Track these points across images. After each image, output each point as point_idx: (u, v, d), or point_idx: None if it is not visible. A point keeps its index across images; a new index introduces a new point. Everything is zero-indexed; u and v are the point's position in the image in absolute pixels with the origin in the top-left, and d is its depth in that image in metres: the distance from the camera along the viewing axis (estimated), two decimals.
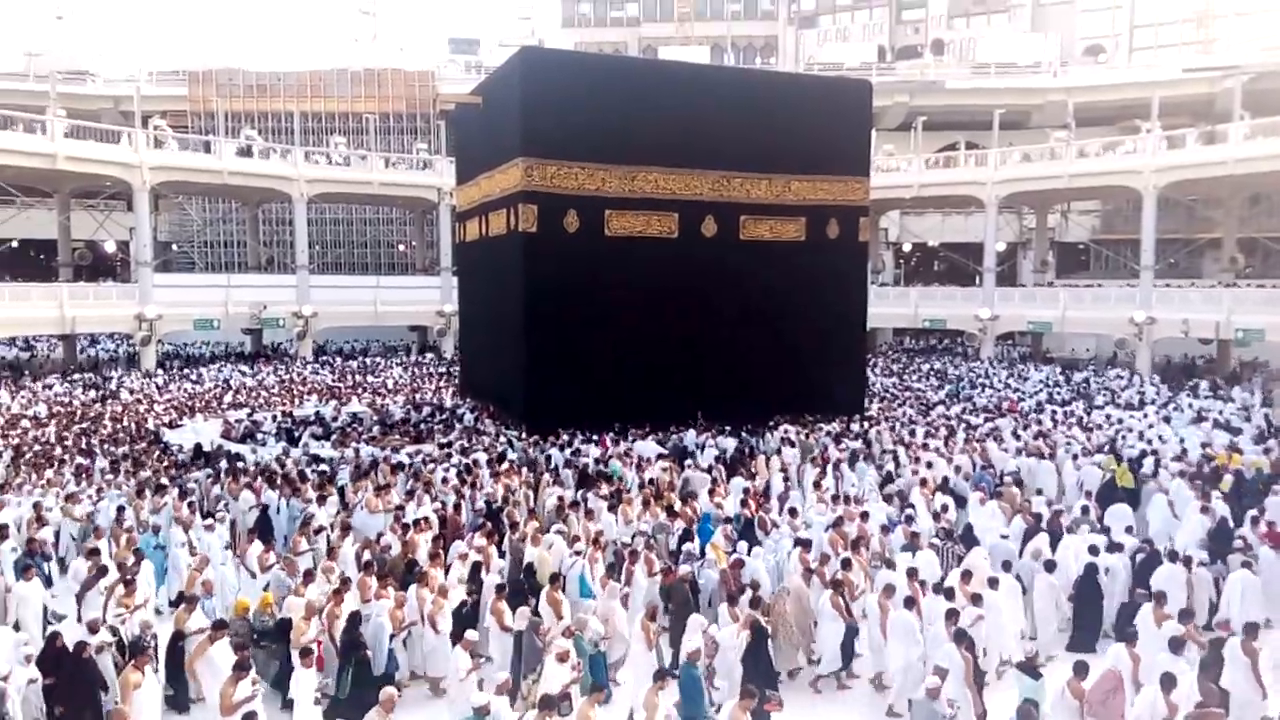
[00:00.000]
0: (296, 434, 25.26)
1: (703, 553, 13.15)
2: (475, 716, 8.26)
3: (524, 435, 22.81)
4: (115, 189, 43.16)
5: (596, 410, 23.21)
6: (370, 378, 38.53)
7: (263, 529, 14.80)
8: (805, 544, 12.88)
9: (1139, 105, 44.91)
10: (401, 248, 59.55)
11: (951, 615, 10.28)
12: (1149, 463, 18.73)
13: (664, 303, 24.32)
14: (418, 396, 33.01)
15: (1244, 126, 36.11)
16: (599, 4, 65.46)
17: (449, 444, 22.30)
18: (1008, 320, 44.05)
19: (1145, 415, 26.43)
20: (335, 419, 27.59)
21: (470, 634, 10.09)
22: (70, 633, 10.40)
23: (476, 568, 12.30)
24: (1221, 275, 44.04)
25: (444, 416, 27.53)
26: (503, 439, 22.78)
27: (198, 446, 22.28)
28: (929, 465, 18.41)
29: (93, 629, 10.07)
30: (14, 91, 49.52)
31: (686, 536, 14.00)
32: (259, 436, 25.42)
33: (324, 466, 19.51)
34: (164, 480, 17.92)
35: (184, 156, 42.15)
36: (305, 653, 9.47)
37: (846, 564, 12.16)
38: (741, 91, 26.41)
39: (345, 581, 11.48)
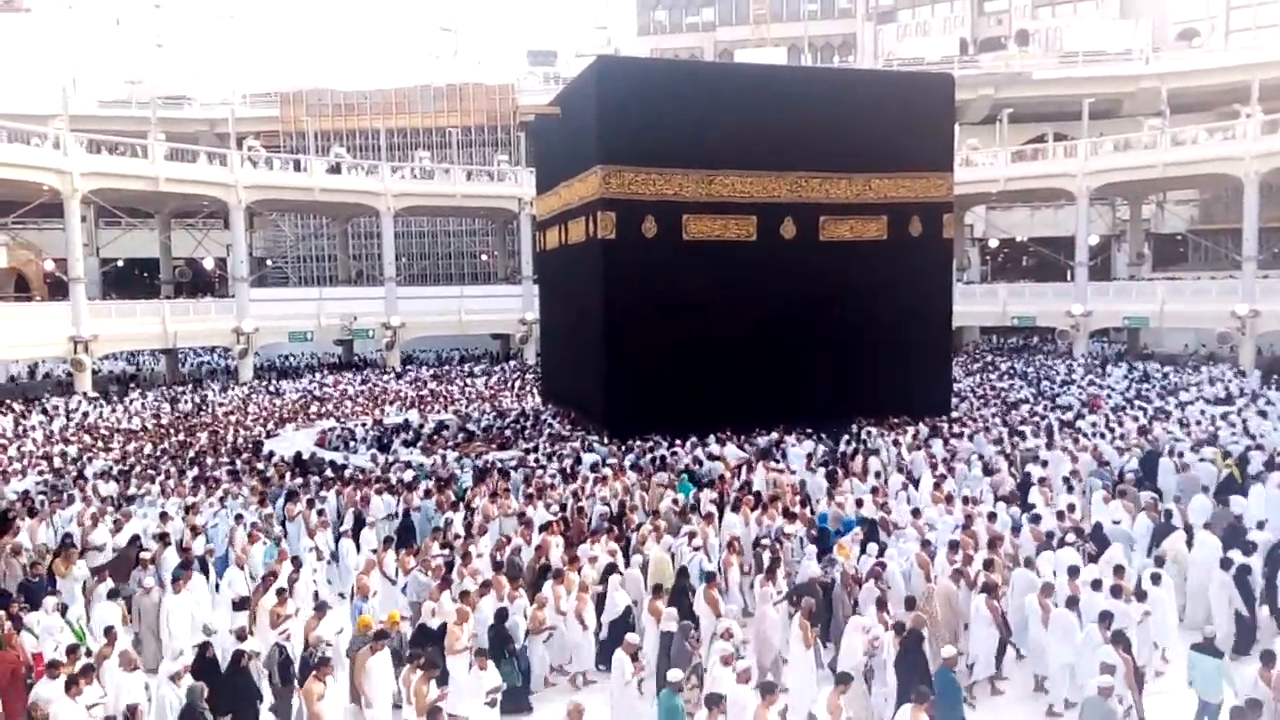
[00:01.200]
0: (387, 441, 25.92)
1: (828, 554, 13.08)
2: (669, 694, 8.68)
3: (606, 440, 22.99)
4: (213, 208, 44.96)
5: (676, 415, 23.23)
6: (450, 386, 39.15)
7: (401, 534, 15.17)
8: (930, 545, 12.82)
9: (1238, 89, 43.05)
10: (484, 257, 60.57)
11: (1106, 617, 10.08)
12: (1255, 457, 18.11)
13: (743, 306, 24.23)
14: (500, 404, 33.57)
15: None
16: (674, 10, 65.56)
17: (534, 449, 22.63)
18: (1101, 316, 42.65)
19: (1240, 410, 25.60)
20: (422, 426, 28.21)
21: (631, 637, 10.26)
22: (227, 645, 10.44)
23: (610, 569, 12.40)
24: None
25: (527, 423, 27.91)
26: (586, 444, 22.99)
27: (297, 455, 22.98)
28: (1044, 464, 18.16)
29: (240, 637, 10.20)
30: (118, 118, 52.01)
31: (822, 538, 13.91)
32: (352, 445, 26.15)
33: (442, 473, 19.78)
34: (292, 489, 17.99)
35: (276, 175, 43.70)
36: (480, 653, 9.79)
37: (989, 565, 11.98)
38: (819, 91, 26.21)
39: (485, 584, 11.78)
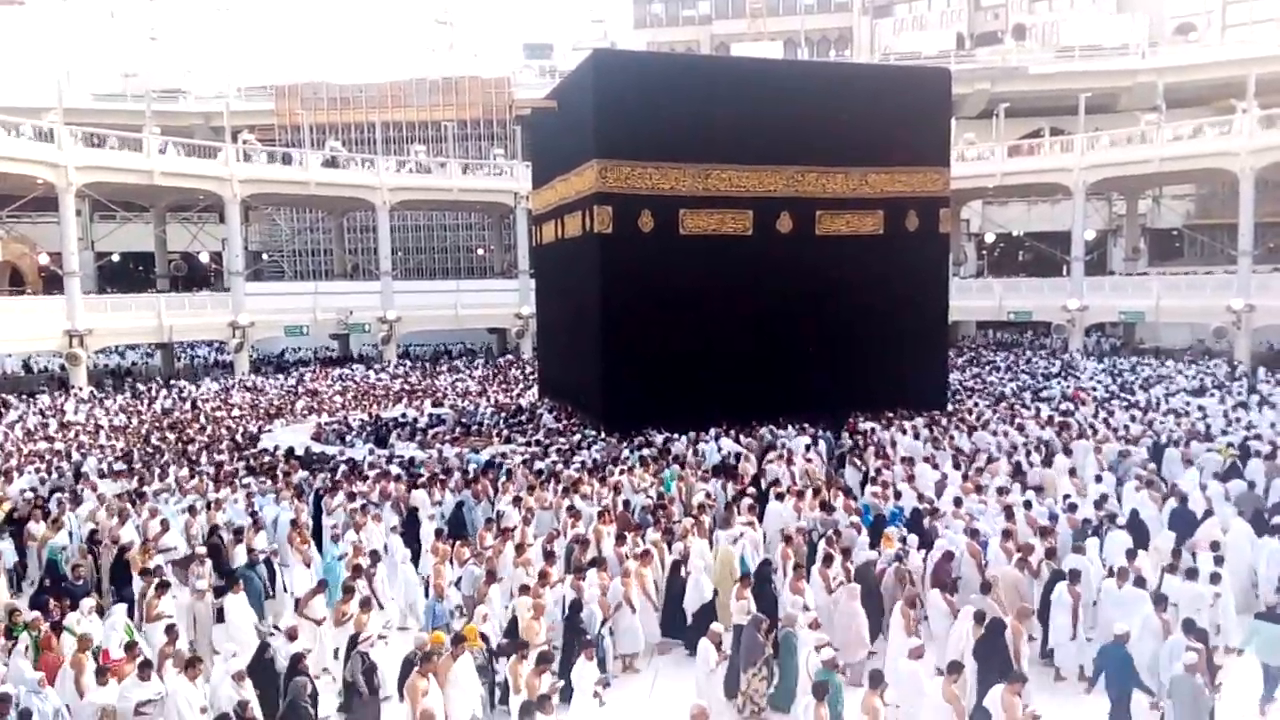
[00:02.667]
0: (384, 435, 25.91)
1: (874, 545, 13.18)
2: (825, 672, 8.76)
3: (602, 435, 22.99)
4: (208, 202, 44.81)
5: (673, 409, 23.24)
6: (438, 380, 38.91)
7: (454, 526, 15.17)
8: (980, 534, 12.91)
9: (1234, 84, 43.03)
10: (480, 252, 60.50)
11: (1161, 599, 10.30)
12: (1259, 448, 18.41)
13: (740, 300, 24.23)
14: (495, 398, 33.55)
15: None
16: (670, 3, 65.39)
17: (535, 441, 22.64)
18: (1097, 311, 42.70)
19: (1222, 400, 26.39)
20: (416, 421, 28.21)
21: (715, 626, 10.32)
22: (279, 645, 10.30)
23: (677, 564, 12.47)
24: None
25: (524, 418, 27.90)
26: (584, 438, 23.00)
27: (289, 450, 22.86)
28: (1069, 454, 18.56)
29: (292, 637, 10.13)
30: (112, 111, 51.81)
31: (878, 525, 13.98)
32: (348, 439, 26.14)
33: (472, 467, 19.60)
34: (332, 482, 17.75)
35: (272, 169, 43.60)
36: (588, 644, 9.77)
37: (1051, 553, 12.13)
38: (815, 85, 26.21)
39: (543, 575, 11.83)
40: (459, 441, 24.49)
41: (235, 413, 31.01)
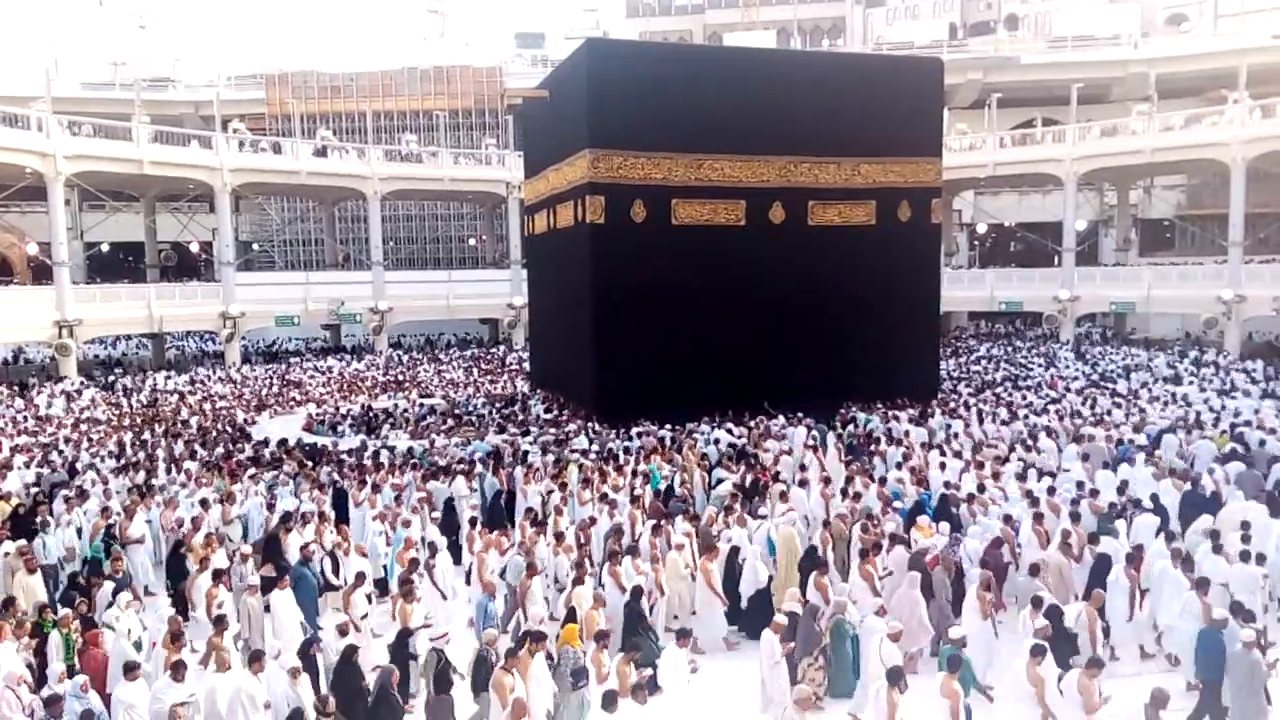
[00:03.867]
0: (375, 425, 25.87)
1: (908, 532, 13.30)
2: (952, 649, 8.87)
3: (597, 425, 22.98)
4: (198, 192, 44.60)
5: (666, 399, 23.21)
6: (420, 371, 38.66)
7: (493, 515, 15.16)
8: (1014, 520, 13.07)
9: (1225, 74, 43.09)
10: (472, 242, 60.36)
11: (1203, 582, 10.46)
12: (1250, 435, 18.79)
13: (732, 291, 24.21)
14: (482, 388, 33.52)
15: None
16: None
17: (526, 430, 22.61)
18: (1089, 301, 42.83)
19: (1203, 390, 26.90)
20: (405, 411, 28.17)
21: (779, 618, 10.27)
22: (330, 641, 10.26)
23: (734, 552, 12.51)
24: None
25: (516, 408, 27.87)
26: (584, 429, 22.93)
27: (298, 442, 22.64)
28: (1078, 440, 18.93)
29: (343, 631, 10.09)
30: (101, 100, 51.49)
31: (917, 511, 14.14)
32: (339, 429, 26.08)
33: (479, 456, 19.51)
34: (366, 476, 17.40)
35: (263, 158, 43.37)
36: (683, 634, 9.68)
37: (1094, 538, 12.32)
38: (808, 75, 26.12)
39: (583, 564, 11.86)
40: (449, 432, 24.45)
41: (220, 405, 30.56)
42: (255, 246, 56.26)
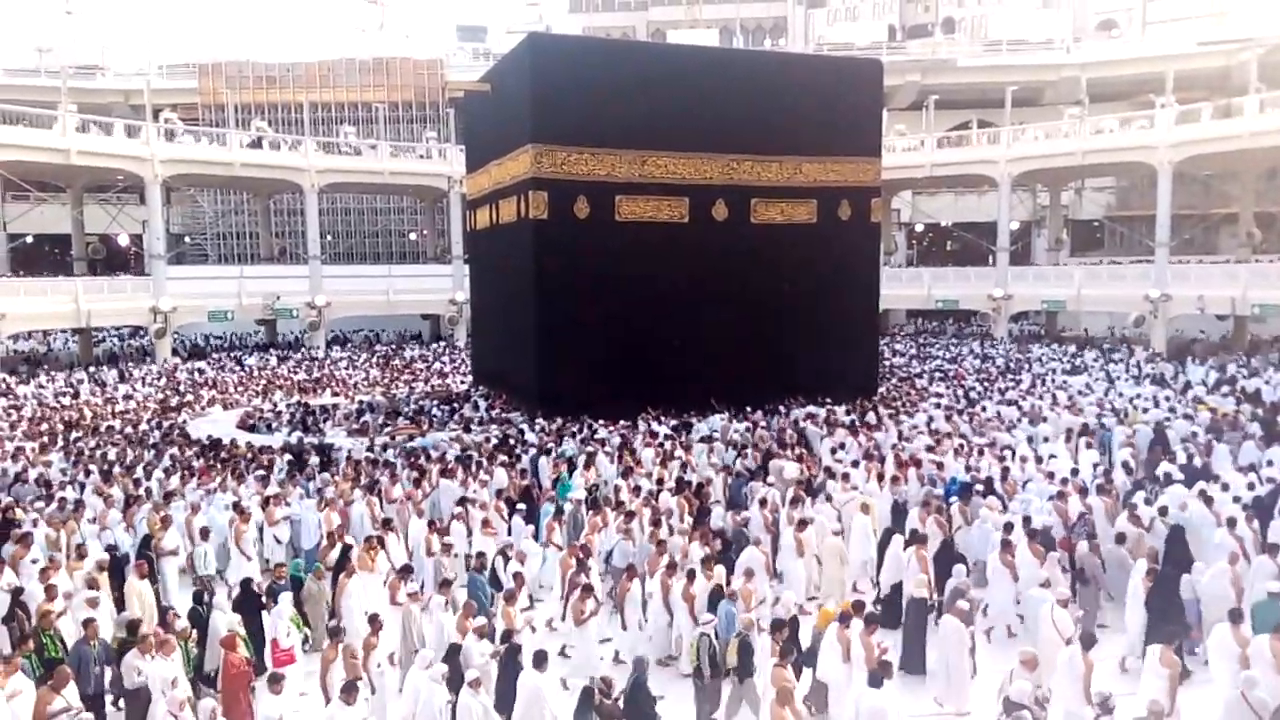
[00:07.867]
0: (311, 423, 25.42)
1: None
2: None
3: (536, 422, 22.87)
4: (127, 183, 43.35)
5: (608, 396, 23.26)
6: (338, 369, 37.98)
7: (530, 510, 14.99)
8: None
9: (1153, 80, 44.35)
10: (413, 236, 59.64)
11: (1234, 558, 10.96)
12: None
13: (675, 288, 24.29)
14: (430, 385, 33.16)
15: (1260, 99, 35.67)
16: None
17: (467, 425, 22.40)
18: (1021, 300, 43.79)
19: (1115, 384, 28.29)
20: (342, 409, 27.75)
21: (961, 603, 10.44)
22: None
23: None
24: (1238, 251, 43.49)
25: (458, 404, 27.62)
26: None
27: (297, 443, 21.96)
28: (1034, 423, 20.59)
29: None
30: (25, 87, 49.76)
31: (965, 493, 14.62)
32: (274, 426, 25.59)
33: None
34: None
35: (195, 149, 42.31)
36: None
37: (1164, 510, 13.08)
38: (750, 73, 26.29)
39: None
40: (388, 430, 24.13)
41: (133, 405, 29.23)
42: (187, 239, 54.98)
